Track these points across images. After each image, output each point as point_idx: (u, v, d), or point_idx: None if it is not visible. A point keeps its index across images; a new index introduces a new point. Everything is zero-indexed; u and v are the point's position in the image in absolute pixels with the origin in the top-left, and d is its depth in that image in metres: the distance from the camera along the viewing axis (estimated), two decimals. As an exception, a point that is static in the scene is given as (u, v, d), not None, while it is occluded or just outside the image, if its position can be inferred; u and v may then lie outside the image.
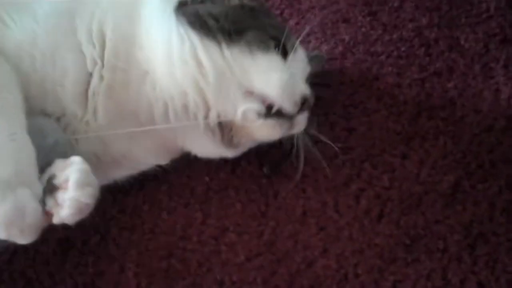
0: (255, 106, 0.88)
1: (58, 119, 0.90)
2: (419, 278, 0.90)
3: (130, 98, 0.90)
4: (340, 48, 1.20)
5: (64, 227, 0.98)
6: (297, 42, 0.94)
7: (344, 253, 0.93)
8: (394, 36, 1.19)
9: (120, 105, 0.91)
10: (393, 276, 0.90)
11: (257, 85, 0.87)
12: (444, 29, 1.18)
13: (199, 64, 0.88)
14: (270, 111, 0.88)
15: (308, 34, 1.23)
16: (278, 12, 1.30)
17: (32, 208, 0.74)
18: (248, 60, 0.88)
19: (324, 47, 1.21)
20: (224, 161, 1.04)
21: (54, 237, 1.00)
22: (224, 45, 0.88)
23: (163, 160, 1.01)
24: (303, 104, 0.90)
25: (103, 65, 0.89)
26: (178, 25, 0.90)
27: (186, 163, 1.05)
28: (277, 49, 0.90)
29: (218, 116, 0.90)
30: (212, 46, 0.88)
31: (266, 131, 0.91)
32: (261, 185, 1.02)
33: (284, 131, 0.91)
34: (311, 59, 1.01)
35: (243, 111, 0.88)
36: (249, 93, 0.88)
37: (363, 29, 1.22)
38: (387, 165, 1.01)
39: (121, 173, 1.01)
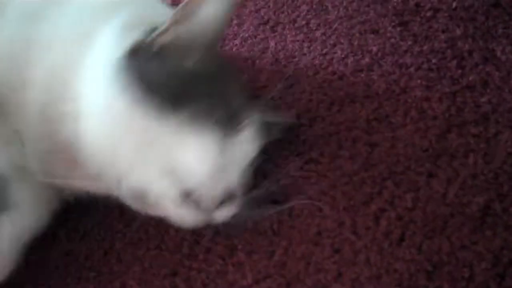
0: (170, 192, 0.79)
1: None
2: (441, 309, 0.81)
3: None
4: (367, 59, 1.13)
5: (69, 239, 0.96)
6: (249, 120, 0.83)
7: (359, 278, 0.85)
8: (425, 47, 1.12)
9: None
10: (412, 306, 0.82)
11: (179, 167, 0.78)
12: (479, 41, 1.10)
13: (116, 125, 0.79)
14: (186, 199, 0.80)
15: (334, 45, 1.18)
16: (304, 22, 1.25)
17: None
18: (179, 137, 0.77)
19: (350, 59, 1.14)
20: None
21: (57, 249, 0.96)
22: (154, 114, 0.77)
23: None
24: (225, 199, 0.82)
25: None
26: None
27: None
28: (220, 126, 0.79)
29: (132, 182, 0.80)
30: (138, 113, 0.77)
31: (178, 218, 0.84)
32: (275, 202, 0.96)
33: (199, 223, 0.84)
34: (269, 127, 0.91)
35: (156, 194, 0.80)
36: (169, 173, 0.78)
37: (392, 40, 1.15)
38: (411, 184, 0.94)
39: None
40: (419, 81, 1.07)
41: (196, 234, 0.94)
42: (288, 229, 0.92)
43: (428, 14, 1.18)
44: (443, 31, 1.14)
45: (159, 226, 0.96)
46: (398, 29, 1.17)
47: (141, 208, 0.85)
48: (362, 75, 1.11)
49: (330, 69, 1.14)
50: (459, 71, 1.06)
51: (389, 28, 1.18)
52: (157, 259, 0.93)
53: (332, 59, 1.15)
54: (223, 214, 0.85)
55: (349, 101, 1.07)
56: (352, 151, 0.99)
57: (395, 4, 1.22)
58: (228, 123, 0.80)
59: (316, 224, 0.92)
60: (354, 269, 0.86)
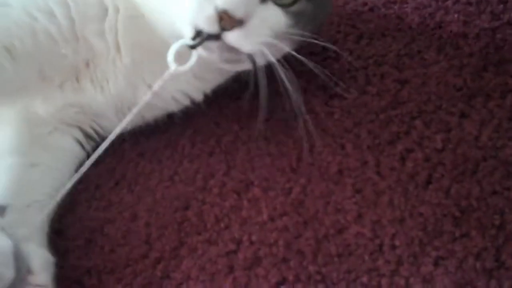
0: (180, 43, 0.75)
1: (87, 65, 0.87)
2: (466, 257, 0.76)
3: (145, 27, 0.84)
4: (401, -10, 1.06)
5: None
6: None
7: (381, 221, 0.81)
8: None
9: (138, 36, 0.85)
10: (436, 252, 0.77)
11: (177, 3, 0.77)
12: (524, -26, 1.02)
13: None
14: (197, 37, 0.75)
15: (366, -26, 1.10)
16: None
17: None
18: None
19: (383, -11, 1.07)
20: (258, 109, 0.93)
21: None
22: None
23: (197, 94, 0.93)
24: (223, 20, 0.74)
25: None
26: None
27: (215, 109, 0.96)
28: None
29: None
30: None
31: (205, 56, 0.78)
32: (296, 137, 0.91)
33: (225, 52, 0.77)
34: None
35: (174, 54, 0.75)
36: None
37: (430, -29, 1.07)
38: (442, 124, 0.88)
39: (149, 115, 0.94)
40: (456, 15, 1.00)
41: (210, 167, 0.90)
42: (308, 166, 0.88)
43: None
44: None
45: (173, 157, 0.92)
46: (437, -41, 1.09)
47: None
48: (395, 7, 1.04)
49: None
50: (501, 6, 0.99)
51: (427, -42, 1.09)
52: (169, 191, 0.89)
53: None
54: (234, 36, 0.76)
55: (379, 34, 1.01)
56: (380, 87, 0.93)
57: None
58: None
59: (337, 162, 0.87)
60: (375, 210, 0.82)
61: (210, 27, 0.75)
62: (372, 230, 0.80)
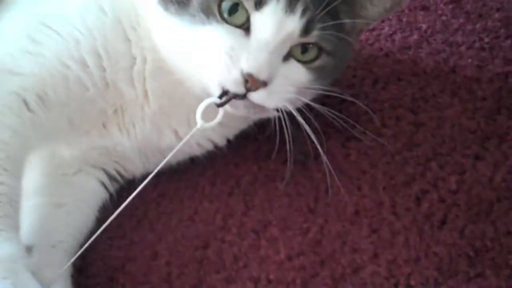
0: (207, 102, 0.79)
1: (115, 111, 0.90)
2: (482, 296, 0.77)
3: (172, 78, 0.87)
4: (416, 36, 1.09)
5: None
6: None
7: (397, 260, 0.82)
8: (478, 25, 1.08)
9: (165, 86, 0.88)
10: (451, 291, 0.78)
11: (204, 63, 0.80)
12: (535, 20, 1.05)
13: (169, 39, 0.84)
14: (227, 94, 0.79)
15: (382, 21, 1.14)
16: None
17: None
18: (192, 35, 0.80)
19: (398, 35, 1.11)
20: (276, 151, 0.96)
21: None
22: (177, 19, 0.81)
23: (221, 140, 0.96)
24: (249, 82, 0.77)
25: (142, 47, 0.87)
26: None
27: (234, 150, 0.98)
28: (226, 14, 0.79)
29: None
30: (169, 20, 0.82)
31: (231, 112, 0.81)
32: (313, 178, 0.93)
33: (250, 108, 0.80)
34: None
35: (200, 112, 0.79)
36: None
37: (443, 18, 1.11)
38: (456, 166, 0.90)
39: (173, 159, 0.95)
40: (469, 60, 1.03)
41: (230, 207, 0.92)
42: (325, 207, 0.90)
43: (483, -9, 1.13)
44: (497, 10, 1.10)
45: (194, 197, 0.95)
46: (450, 6, 1.13)
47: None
48: (410, 52, 1.07)
49: (376, 45, 1.10)
50: (513, 51, 1.01)
51: (441, 5, 1.14)
52: (189, 230, 0.91)
53: (379, 35, 1.11)
54: (259, 96, 0.79)
55: (394, 78, 1.03)
56: (396, 130, 0.96)
57: (448, -19, 1.17)
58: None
59: (354, 203, 0.89)
60: (391, 250, 0.83)
61: (237, 89, 0.78)
62: (388, 270, 0.81)
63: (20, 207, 0.79)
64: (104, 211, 0.93)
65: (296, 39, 0.80)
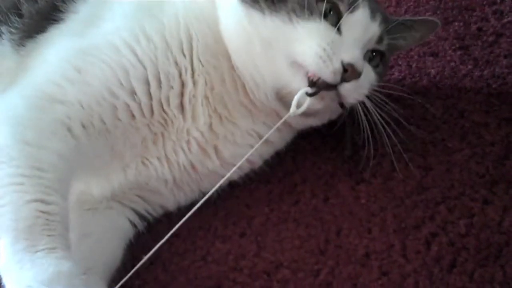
0: (301, 89, 0.85)
1: (154, 142, 0.93)
2: None
3: (227, 90, 0.92)
4: (425, 81, 1.12)
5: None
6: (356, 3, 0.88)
7: (407, 303, 0.83)
8: (486, 72, 1.10)
9: (220, 102, 0.93)
10: (461, 335, 0.79)
11: (297, 55, 0.86)
12: (543, 67, 1.07)
13: (248, 35, 0.89)
14: (314, 85, 0.85)
15: (391, 66, 1.17)
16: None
17: None
18: (289, 29, 0.86)
19: (408, 80, 1.13)
20: (287, 192, 0.98)
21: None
22: (267, 14, 0.87)
23: (259, 160, 1.00)
24: (346, 71, 0.84)
25: (193, 71, 0.91)
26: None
27: (247, 191, 1.00)
28: (323, 14, 0.87)
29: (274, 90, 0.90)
30: (256, 17, 0.88)
31: (312, 104, 0.87)
32: (324, 220, 0.95)
33: (329, 101, 0.88)
34: (411, 25, 0.99)
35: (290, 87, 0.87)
36: (294, 63, 0.86)
37: (452, 64, 1.14)
38: (465, 210, 0.91)
39: (208, 185, 0.97)
40: (478, 105, 1.05)
41: (242, 248, 0.93)
42: (335, 249, 0.91)
43: (490, 39, 1.16)
44: (505, 56, 1.12)
45: (206, 237, 0.96)
46: (459, 52, 1.15)
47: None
48: (419, 97, 1.09)
49: (386, 90, 1.12)
50: (521, 97, 1.04)
51: (449, 52, 1.16)
52: (202, 271, 0.93)
53: (389, 80, 1.14)
54: (350, 88, 0.87)
55: (404, 122, 1.05)
56: (406, 174, 0.98)
57: (456, 27, 1.20)
58: (333, 9, 0.88)
59: (364, 245, 0.90)
60: (401, 293, 0.84)
61: (334, 78, 0.85)
62: (398, 312, 0.82)
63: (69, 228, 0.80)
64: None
65: (373, 44, 0.92)
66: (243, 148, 0.94)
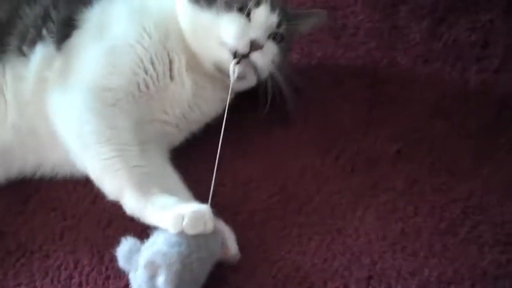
0: (225, 54, 1.26)
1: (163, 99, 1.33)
2: None
3: (196, 64, 1.33)
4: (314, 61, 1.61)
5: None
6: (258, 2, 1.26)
7: None
8: (352, 53, 1.60)
9: (195, 72, 1.33)
10: None
11: (223, 36, 1.25)
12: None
13: (194, 25, 1.30)
14: (235, 56, 1.24)
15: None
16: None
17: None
18: (218, 19, 1.26)
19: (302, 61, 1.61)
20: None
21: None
22: (205, 10, 1.27)
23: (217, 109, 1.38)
24: (252, 45, 1.24)
25: (174, 52, 1.31)
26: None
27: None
28: (239, 10, 1.25)
29: (214, 63, 1.29)
30: (198, 11, 1.28)
31: (237, 70, 1.26)
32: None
33: (250, 67, 1.28)
34: (306, 16, 1.43)
35: (232, 69, 1.26)
36: (222, 43, 1.25)
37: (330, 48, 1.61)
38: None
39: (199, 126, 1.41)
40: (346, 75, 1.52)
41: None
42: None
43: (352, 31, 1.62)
44: (363, 43, 1.60)
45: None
46: (334, 41, 1.59)
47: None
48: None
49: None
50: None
51: (329, 39, 1.60)
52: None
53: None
54: (257, 55, 1.26)
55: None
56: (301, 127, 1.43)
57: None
58: (245, 7, 1.26)
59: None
60: None
61: (244, 48, 1.25)
62: None
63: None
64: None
65: (274, 28, 1.30)
66: (215, 103, 1.36)
